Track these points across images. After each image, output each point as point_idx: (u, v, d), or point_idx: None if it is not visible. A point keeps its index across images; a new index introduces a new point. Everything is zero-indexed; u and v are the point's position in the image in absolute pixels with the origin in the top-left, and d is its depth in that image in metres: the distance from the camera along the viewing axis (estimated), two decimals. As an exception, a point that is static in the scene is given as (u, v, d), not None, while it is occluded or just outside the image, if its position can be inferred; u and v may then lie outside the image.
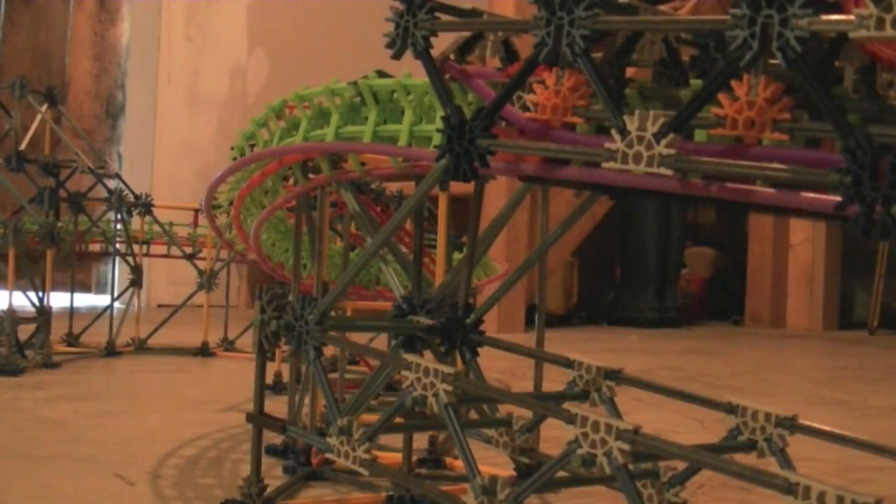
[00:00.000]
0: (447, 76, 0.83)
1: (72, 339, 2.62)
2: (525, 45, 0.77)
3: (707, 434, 1.63)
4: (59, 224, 2.36)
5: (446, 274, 1.08)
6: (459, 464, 1.24)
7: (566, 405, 0.67)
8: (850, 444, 0.79)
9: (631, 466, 0.64)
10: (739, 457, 0.77)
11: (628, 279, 4.72)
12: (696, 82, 0.73)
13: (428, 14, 0.80)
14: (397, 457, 1.14)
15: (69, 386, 2.02)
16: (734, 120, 0.63)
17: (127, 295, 2.72)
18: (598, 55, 0.72)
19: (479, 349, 0.98)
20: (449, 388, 0.76)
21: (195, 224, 2.95)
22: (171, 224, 2.88)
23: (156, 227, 2.83)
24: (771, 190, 0.61)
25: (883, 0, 0.52)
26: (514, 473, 1.03)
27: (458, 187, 0.97)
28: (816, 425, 0.80)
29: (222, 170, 1.31)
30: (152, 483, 1.20)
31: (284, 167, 1.18)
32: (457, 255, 1.72)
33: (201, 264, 2.77)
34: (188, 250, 2.88)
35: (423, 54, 0.81)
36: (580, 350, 0.98)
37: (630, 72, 0.77)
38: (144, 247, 2.80)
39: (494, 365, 2.38)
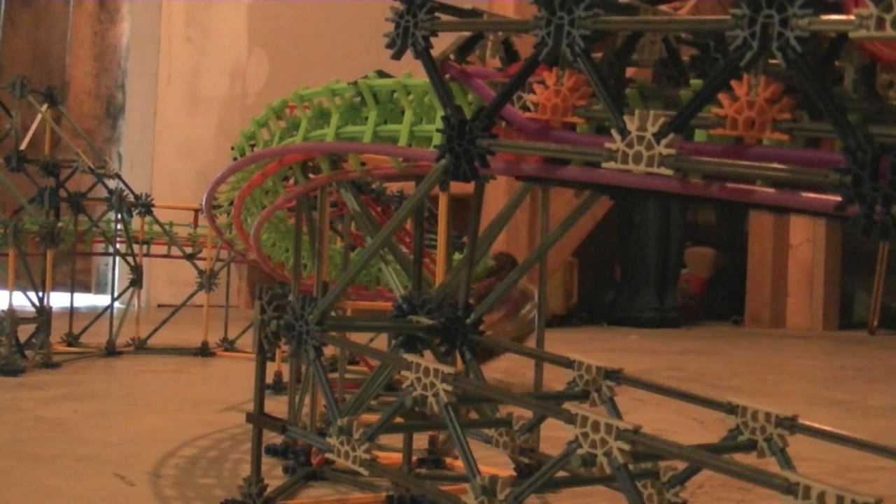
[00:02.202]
0: (447, 76, 0.83)
1: (72, 339, 2.62)
2: (525, 45, 0.77)
3: (707, 434, 1.63)
4: (60, 224, 2.36)
5: (446, 274, 1.08)
6: (459, 464, 1.24)
7: (566, 405, 0.67)
8: (850, 444, 0.79)
9: (631, 466, 0.64)
10: (739, 457, 0.77)
11: (628, 279, 4.72)
12: (696, 82, 0.73)
13: (428, 14, 0.80)
14: (397, 457, 1.14)
15: (69, 386, 2.02)
16: (734, 120, 0.63)
17: (127, 295, 2.72)
18: (598, 55, 0.72)
19: (479, 349, 0.98)
20: (449, 388, 0.76)
21: (195, 224, 2.95)
22: (171, 224, 2.88)
23: (156, 227, 2.83)
24: (771, 190, 0.61)
25: (883, 0, 0.52)
26: (514, 473, 1.03)
27: (458, 187, 0.97)
28: (816, 425, 0.80)
29: (222, 170, 1.31)
30: (152, 483, 1.20)
31: (284, 167, 1.18)
32: (457, 256, 1.72)
33: (201, 264, 2.77)
34: (188, 250, 2.88)
35: (423, 54, 0.81)
36: (580, 350, 0.98)
37: (630, 72, 0.77)
38: (144, 247, 2.80)
39: (494, 365, 2.37)
